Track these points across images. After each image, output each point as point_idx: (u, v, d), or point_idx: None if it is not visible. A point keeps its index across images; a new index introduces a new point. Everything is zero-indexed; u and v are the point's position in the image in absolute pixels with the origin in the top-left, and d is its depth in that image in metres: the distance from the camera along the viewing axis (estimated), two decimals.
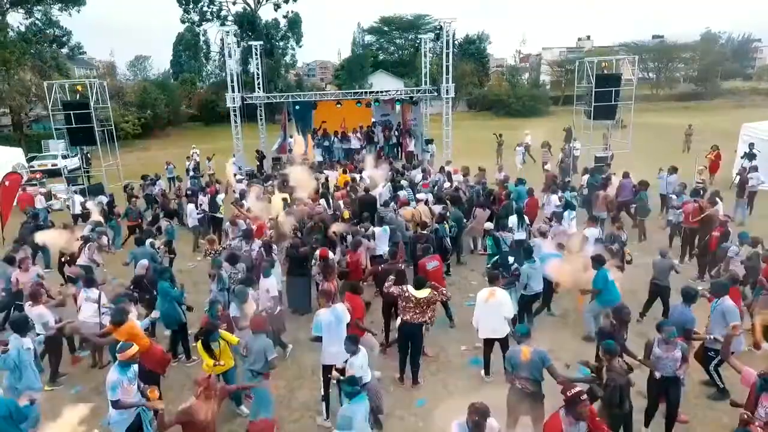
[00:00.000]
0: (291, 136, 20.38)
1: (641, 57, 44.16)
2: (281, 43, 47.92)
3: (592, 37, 77.66)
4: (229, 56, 19.66)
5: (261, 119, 22.61)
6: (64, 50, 36.45)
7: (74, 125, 15.91)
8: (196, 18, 46.49)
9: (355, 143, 20.87)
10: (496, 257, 7.87)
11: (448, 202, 10.86)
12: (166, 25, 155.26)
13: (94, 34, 71.31)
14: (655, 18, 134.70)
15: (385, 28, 56.80)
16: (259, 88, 21.93)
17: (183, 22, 46.92)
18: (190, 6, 45.51)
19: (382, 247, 9.04)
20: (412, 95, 20.31)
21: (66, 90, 16.77)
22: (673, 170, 12.82)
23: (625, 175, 12.21)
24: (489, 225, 9.43)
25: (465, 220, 10.65)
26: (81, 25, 54.04)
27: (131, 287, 7.54)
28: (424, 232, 9.31)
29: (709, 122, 28.70)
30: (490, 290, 6.36)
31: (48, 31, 33.80)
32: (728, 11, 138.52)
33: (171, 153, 25.59)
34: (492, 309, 6.26)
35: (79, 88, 16.46)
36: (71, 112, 15.81)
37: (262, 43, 24.87)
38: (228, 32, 20.08)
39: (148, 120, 36.72)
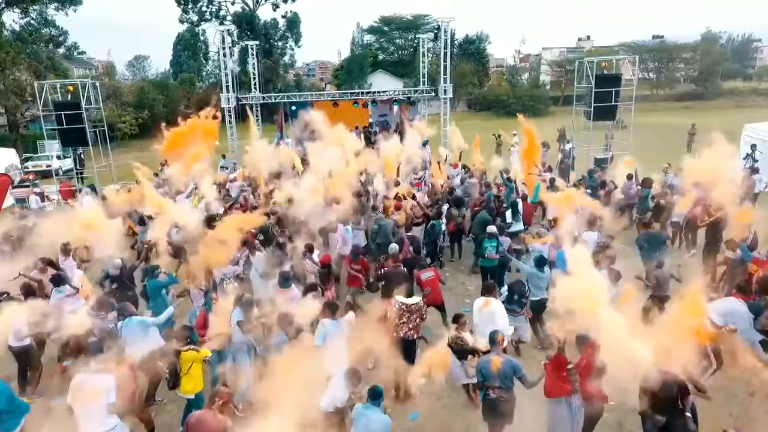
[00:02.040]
0: (288, 137, 20.13)
1: (641, 57, 43.98)
2: (280, 43, 47.82)
3: (592, 37, 77.39)
4: (225, 56, 19.39)
5: (258, 120, 22.35)
6: (61, 50, 36.22)
7: (66, 126, 15.69)
8: (195, 18, 46.40)
9: None
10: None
11: (445, 204, 10.61)
12: (166, 25, 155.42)
13: (93, 34, 71.17)
14: (655, 18, 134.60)
15: (385, 28, 56.48)
16: (255, 88, 21.70)
17: (182, 21, 46.88)
18: (189, 6, 45.36)
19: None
20: (409, 96, 20.08)
21: (58, 90, 16.53)
22: (678, 171, 12.52)
23: (629, 177, 11.96)
24: (492, 228, 9.15)
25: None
26: (79, 25, 53.70)
27: (109, 284, 7.24)
28: (411, 234, 9.09)
29: (710, 122, 28.35)
30: (485, 300, 6.28)
31: (44, 31, 33.57)
32: (728, 11, 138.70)
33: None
34: (487, 317, 6.14)
35: (71, 88, 16.24)
36: (62, 113, 15.58)
37: (258, 43, 24.67)
38: (223, 32, 19.81)
39: (146, 120, 36.46)
